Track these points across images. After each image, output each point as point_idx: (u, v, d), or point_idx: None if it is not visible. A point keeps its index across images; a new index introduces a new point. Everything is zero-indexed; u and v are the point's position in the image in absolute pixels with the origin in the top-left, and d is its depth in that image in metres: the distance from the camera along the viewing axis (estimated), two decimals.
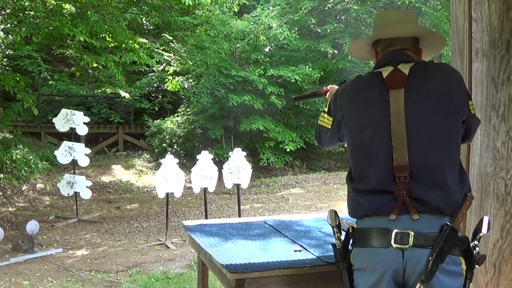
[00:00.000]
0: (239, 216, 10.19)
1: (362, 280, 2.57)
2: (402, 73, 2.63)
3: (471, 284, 2.51)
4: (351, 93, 2.76)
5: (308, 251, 3.19)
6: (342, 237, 2.71)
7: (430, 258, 2.37)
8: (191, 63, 18.96)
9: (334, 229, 2.72)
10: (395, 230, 2.44)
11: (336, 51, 19.05)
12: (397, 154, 2.51)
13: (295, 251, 3.19)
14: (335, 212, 2.75)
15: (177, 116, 19.94)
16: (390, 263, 2.45)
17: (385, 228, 2.48)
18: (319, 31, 19.91)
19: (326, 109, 2.92)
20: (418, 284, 2.39)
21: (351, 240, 2.69)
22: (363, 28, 19.60)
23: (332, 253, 2.75)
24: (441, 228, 2.44)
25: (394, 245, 2.43)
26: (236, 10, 17.49)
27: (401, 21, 2.79)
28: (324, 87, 3.42)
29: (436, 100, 2.55)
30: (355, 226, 2.68)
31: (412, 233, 2.41)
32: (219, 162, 13.91)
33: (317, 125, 3.01)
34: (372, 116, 2.62)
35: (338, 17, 20.82)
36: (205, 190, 9.99)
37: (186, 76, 19.45)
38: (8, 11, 12.96)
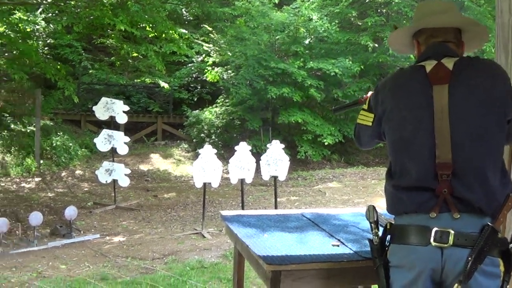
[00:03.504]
0: (276, 208, 10.18)
1: (399, 277, 2.54)
2: (446, 67, 2.57)
3: (508, 286, 2.46)
4: (393, 87, 2.72)
5: (346, 245, 3.16)
6: (380, 233, 2.69)
7: (469, 258, 2.33)
8: (230, 54, 18.99)
9: (372, 225, 2.70)
10: (435, 229, 2.40)
11: (376, 45, 18.91)
12: (440, 151, 2.46)
13: (333, 245, 3.16)
14: (374, 208, 2.72)
15: (216, 107, 19.96)
16: (429, 261, 2.42)
17: (424, 226, 2.44)
18: (360, 24, 19.80)
19: (366, 107, 2.87)
20: (456, 285, 2.34)
21: (388, 237, 2.66)
22: (404, 21, 19.40)
23: (369, 249, 2.73)
24: (482, 228, 2.39)
25: (434, 244, 2.39)
26: (276, 2, 17.51)
27: (444, 11, 2.73)
28: (364, 95, 3.37)
29: (480, 97, 2.50)
30: (393, 223, 2.65)
31: (453, 232, 2.37)
32: (257, 153, 13.91)
33: (355, 125, 2.97)
34: (414, 110, 2.57)
35: (379, 10, 20.67)
36: (242, 181, 10.01)
37: (225, 67, 19.47)
38: (49, 0, 13.12)
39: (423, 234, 2.43)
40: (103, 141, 11.65)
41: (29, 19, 15.50)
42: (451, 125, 2.47)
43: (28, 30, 15.33)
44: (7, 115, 16.72)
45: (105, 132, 11.76)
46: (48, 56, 17.78)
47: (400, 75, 2.76)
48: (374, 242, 2.67)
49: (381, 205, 2.81)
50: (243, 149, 9.93)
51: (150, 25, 13.38)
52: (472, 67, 2.59)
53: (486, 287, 2.38)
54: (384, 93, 2.73)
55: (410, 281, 2.48)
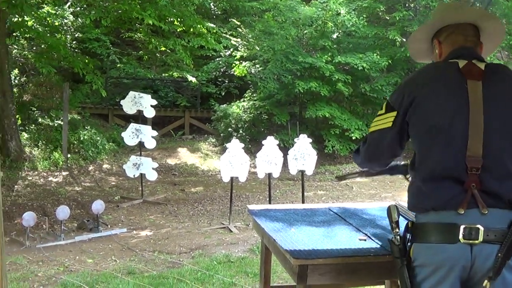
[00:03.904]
0: (303, 202, 10.15)
1: (426, 277, 2.50)
2: (478, 67, 2.59)
3: None
4: (425, 78, 2.68)
5: (373, 240, 3.14)
6: (401, 232, 2.66)
7: (499, 254, 2.32)
8: (258, 49, 18.94)
9: (393, 224, 2.68)
10: (463, 225, 2.37)
11: (404, 39, 18.76)
12: (472, 143, 2.44)
13: (360, 239, 3.15)
14: (396, 208, 2.71)
15: (243, 101, 19.93)
16: (458, 259, 2.39)
17: (452, 223, 2.41)
18: (388, 18, 19.66)
19: (382, 111, 2.76)
20: (485, 281, 2.33)
21: (409, 235, 2.63)
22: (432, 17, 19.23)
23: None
24: (510, 223, 2.37)
25: (463, 241, 2.37)
26: None
27: (462, 6, 2.74)
28: None
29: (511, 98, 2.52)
30: (415, 220, 2.63)
31: (482, 228, 2.35)
32: (284, 148, 13.87)
33: (365, 139, 2.90)
34: (449, 100, 2.54)
35: (407, 4, 20.50)
36: (269, 175, 9.99)
37: (253, 61, 19.43)
38: None
39: (451, 231, 2.41)
40: (130, 135, 11.69)
41: (57, 13, 15.65)
42: (485, 119, 2.46)
43: (56, 24, 15.47)
44: (35, 109, 16.85)
45: (132, 126, 11.80)
46: (76, 50, 17.94)
47: (431, 68, 2.76)
48: (395, 242, 2.64)
49: None
50: (270, 143, 9.91)
51: (178, 19, 13.40)
52: (503, 71, 2.64)
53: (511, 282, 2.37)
54: (413, 85, 2.68)
55: (438, 280, 2.45)
